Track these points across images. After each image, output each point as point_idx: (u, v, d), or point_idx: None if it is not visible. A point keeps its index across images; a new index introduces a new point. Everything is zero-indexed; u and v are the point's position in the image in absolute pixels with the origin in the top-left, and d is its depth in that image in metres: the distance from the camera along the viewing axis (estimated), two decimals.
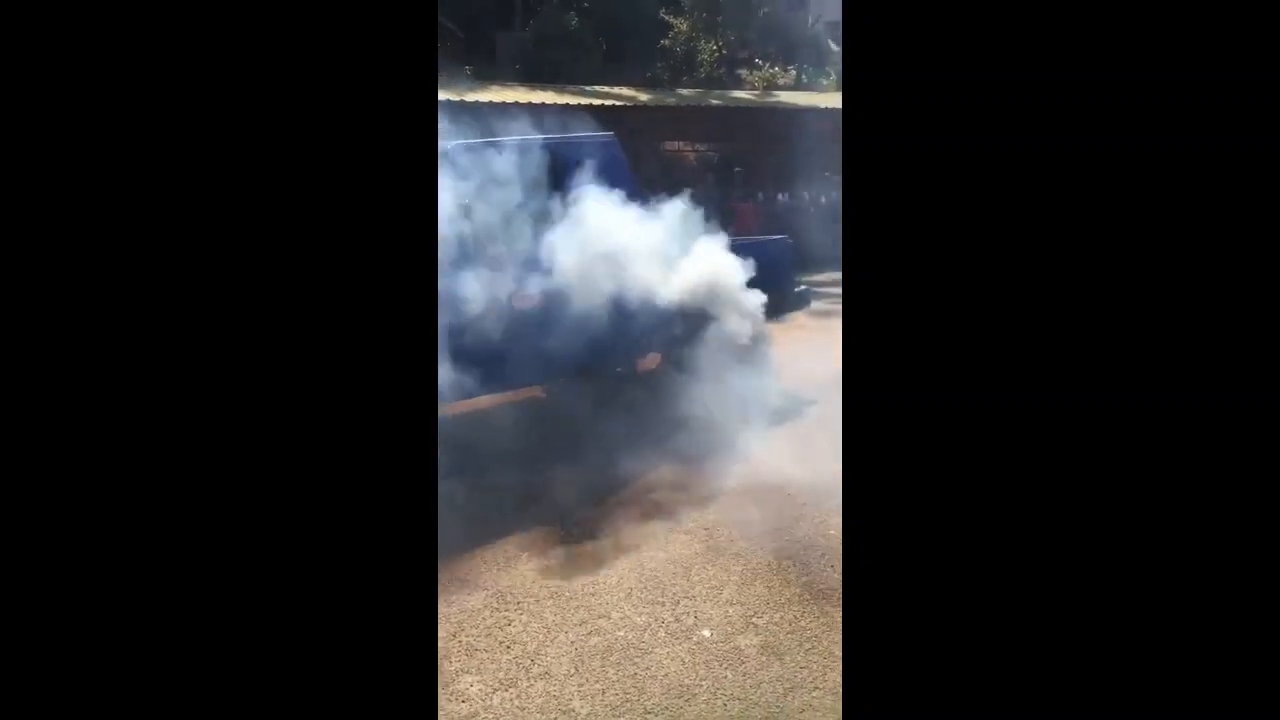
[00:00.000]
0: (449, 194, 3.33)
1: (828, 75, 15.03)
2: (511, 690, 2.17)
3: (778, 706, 2.08)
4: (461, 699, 2.13)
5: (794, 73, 14.96)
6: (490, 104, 8.37)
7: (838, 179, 12.37)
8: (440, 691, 2.16)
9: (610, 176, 3.86)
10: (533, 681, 2.20)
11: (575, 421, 4.16)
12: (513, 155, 3.65)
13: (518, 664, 2.28)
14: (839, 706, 2.01)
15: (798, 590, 2.63)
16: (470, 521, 3.16)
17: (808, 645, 2.32)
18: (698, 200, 4.16)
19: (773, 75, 14.58)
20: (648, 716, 2.06)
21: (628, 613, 2.53)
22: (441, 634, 2.42)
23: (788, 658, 2.27)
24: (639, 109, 10.34)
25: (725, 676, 2.21)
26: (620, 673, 2.23)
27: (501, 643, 2.39)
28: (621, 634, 2.42)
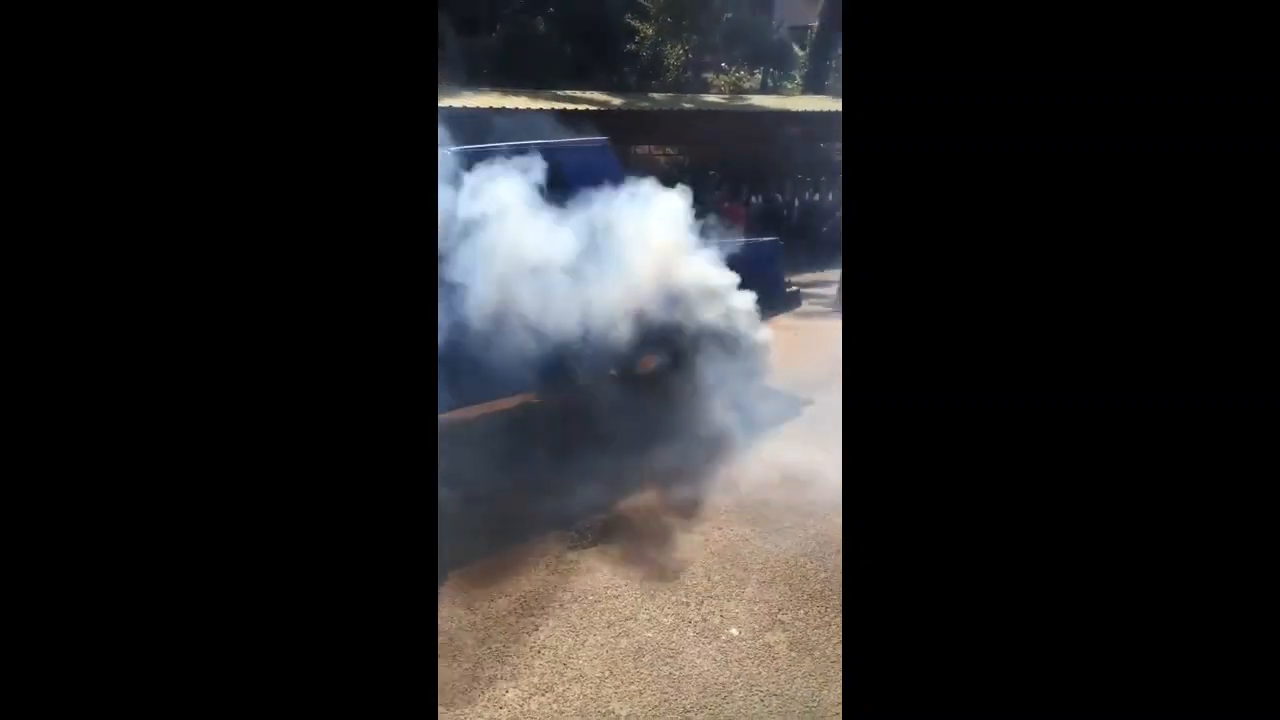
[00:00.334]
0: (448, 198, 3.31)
1: (793, 79, 15.22)
2: (549, 694, 2.17)
3: (814, 701, 2.11)
4: (499, 705, 2.12)
5: (759, 76, 15.12)
6: (465, 109, 8.29)
7: (810, 181, 12.56)
8: (477, 699, 2.15)
9: (606, 179, 3.88)
10: (568, 685, 2.21)
11: (575, 424, 4.16)
12: (511, 160, 3.64)
13: (551, 668, 2.28)
14: None
15: (818, 586, 2.67)
16: (486, 525, 3.14)
17: (836, 640, 2.36)
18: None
19: (739, 79, 14.72)
20: (688, 715, 2.08)
21: (654, 614, 2.54)
22: (470, 640, 2.41)
23: (817, 653, 2.31)
24: (611, 113, 10.35)
25: (758, 673, 2.23)
26: (654, 673, 2.24)
27: (532, 648, 2.38)
28: (650, 635, 2.43)
